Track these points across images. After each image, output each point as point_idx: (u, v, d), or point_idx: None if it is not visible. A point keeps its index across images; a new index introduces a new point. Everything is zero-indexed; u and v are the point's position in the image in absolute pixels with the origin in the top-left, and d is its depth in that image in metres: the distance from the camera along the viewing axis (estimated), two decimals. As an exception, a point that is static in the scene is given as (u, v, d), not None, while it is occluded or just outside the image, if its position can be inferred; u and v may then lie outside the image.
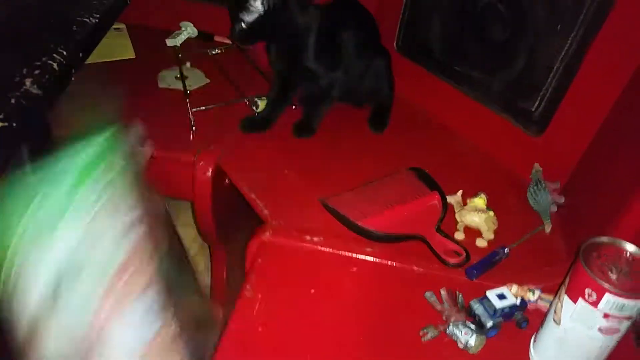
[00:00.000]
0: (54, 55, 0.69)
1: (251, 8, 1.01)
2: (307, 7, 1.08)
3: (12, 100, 0.61)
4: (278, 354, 0.76)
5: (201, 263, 1.54)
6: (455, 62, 1.17)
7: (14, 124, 0.59)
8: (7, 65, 0.67)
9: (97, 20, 0.79)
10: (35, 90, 0.64)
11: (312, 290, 0.85)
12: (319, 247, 0.91)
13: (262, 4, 1.01)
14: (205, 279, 1.50)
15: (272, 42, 1.13)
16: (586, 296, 0.67)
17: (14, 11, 0.79)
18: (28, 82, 0.64)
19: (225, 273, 1.26)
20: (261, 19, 1.02)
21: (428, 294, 0.83)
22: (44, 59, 0.68)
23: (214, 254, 1.29)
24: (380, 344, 0.78)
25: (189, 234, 1.61)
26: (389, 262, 0.89)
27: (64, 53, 0.70)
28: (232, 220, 1.24)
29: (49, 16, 0.80)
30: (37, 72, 0.66)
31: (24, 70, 0.65)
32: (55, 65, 0.68)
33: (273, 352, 0.76)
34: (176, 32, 1.46)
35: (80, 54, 0.74)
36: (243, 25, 1.03)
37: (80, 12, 0.79)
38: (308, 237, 0.91)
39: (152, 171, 1.16)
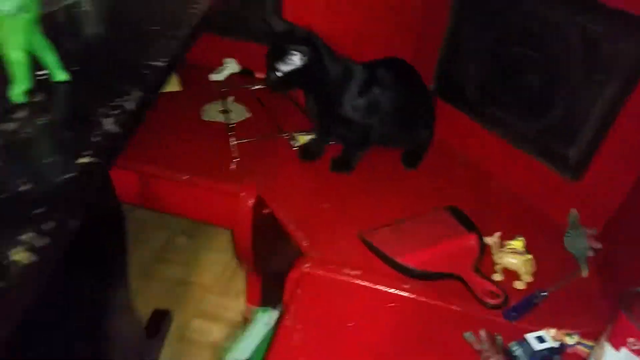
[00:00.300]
0: (129, 96, 0.75)
1: (289, 61, 1.04)
2: (344, 62, 1.10)
3: (96, 139, 0.67)
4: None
5: (234, 288, 1.57)
6: (490, 107, 1.20)
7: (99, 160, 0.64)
8: (91, 107, 0.74)
9: (165, 64, 0.85)
10: (115, 129, 0.69)
11: (350, 324, 0.86)
12: (357, 281, 0.92)
13: (301, 59, 1.04)
14: (239, 303, 1.52)
15: (307, 91, 1.17)
16: (629, 345, 0.67)
17: (92, 59, 0.87)
18: (109, 121, 0.70)
19: (259, 298, 1.27)
20: (297, 71, 1.05)
21: (467, 334, 0.84)
22: (121, 100, 0.74)
23: (249, 280, 1.31)
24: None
25: (221, 260, 1.65)
26: (427, 300, 0.90)
27: (138, 94, 0.75)
28: (269, 248, 1.26)
29: (123, 62, 0.87)
30: (116, 112, 0.72)
31: (105, 111, 0.72)
32: (131, 106, 0.73)
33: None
34: (220, 67, 1.53)
35: (151, 94, 0.80)
36: (278, 74, 1.06)
37: (149, 57, 0.86)
38: (346, 271, 0.93)
39: (193, 200, 1.21)
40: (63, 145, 0.70)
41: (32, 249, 0.52)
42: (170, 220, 1.78)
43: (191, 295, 1.55)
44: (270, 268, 1.31)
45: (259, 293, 1.31)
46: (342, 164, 1.17)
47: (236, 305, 1.53)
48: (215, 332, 1.46)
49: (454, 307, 0.89)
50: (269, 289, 1.32)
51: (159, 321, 1.40)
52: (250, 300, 1.32)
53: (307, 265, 0.94)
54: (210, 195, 1.16)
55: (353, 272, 0.93)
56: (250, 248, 1.16)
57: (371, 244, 0.97)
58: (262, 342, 1.01)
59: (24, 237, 0.53)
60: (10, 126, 0.69)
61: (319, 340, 0.83)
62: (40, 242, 0.53)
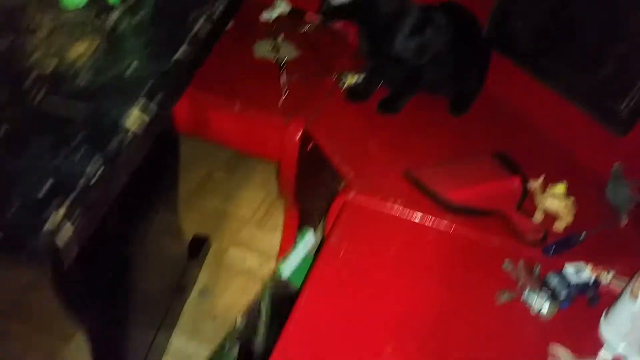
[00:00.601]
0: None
1: None
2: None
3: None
4: (358, 294, 0.82)
5: (269, 222, 1.62)
6: (543, 58, 1.20)
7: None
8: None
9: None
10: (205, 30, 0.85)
11: (392, 249, 0.90)
12: (401, 212, 0.96)
13: None
14: (273, 236, 1.58)
15: (360, 26, 1.18)
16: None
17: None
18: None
19: (295, 233, 1.33)
20: (353, 2, 1.07)
21: (506, 263, 0.88)
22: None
23: (287, 214, 1.36)
24: (455, 302, 0.83)
25: (258, 195, 1.70)
26: (468, 234, 0.94)
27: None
28: (310, 184, 1.31)
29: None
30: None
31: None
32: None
33: (354, 292, 0.82)
34: (271, 7, 1.55)
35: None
36: (334, 3, 1.08)
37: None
38: (390, 202, 0.97)
39: (244, 132, 1.25)
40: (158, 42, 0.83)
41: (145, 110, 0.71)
42: (210, 156, 1.83)
43: (228, 226, 1.62)
44: (309, 204, 1.35)
45: (296, 228, 1.36)
46: (389, 106, 1.20)
47: (270, 238, 1.58)
48: (250, 260, 1.53)
49: (493, 242, 0.93)
50: (305, 224, 1.37)
51: (199, 246, 1.47)
52: (285, 235, 1.38)
53: (351, 194, 0.98)
54: (259, 126, 1.20)
55: (396, 205, 0.97)
56: (294, 181, 1.20)
57: (416, 179, 1.01)
58: (304, 261, 1.07)
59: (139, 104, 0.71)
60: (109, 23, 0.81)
61: (363, 258, 0.88)
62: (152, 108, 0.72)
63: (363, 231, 0.92)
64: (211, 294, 1.43)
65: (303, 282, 0.84)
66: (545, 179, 1.04)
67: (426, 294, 0.83)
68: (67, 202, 0.60)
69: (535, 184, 1.03)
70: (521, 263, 0.87)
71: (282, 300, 1.10)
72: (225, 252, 1.54)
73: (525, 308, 0.83)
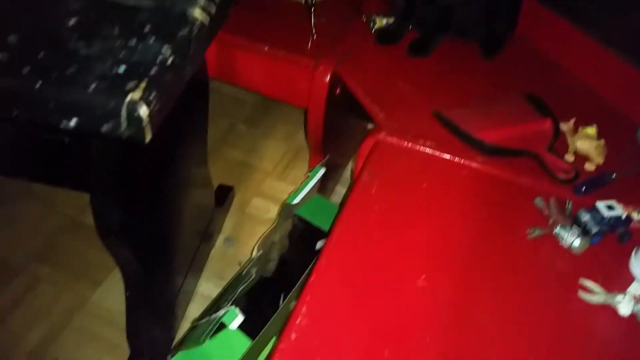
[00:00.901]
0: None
1: None
2: None
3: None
4: (390, 230, 0.83)
5: (291, 174, 1.64)
6: (579, 1, 1.17)
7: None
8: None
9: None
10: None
11: (424, 187, 0.91)
12: (431, 152, 0.96)
13: None
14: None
15: None
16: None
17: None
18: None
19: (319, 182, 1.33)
20: None
21: (538, 200, 0.88)
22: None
23: (312, 161, 1.37)
24: (487, 237, 0.84)
25: (280, 148, 1.71)
26: (499, 173, 0.94)
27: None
28: (338, 129, 1.31)
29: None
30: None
31: None
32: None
33: (386, 228, 0.83)
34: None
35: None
36: None
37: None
38: (421, 141, 0.97)
39: (272, 75, 1.25)
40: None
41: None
42: (233, 109, 1.83)
43: (252, 177, 1.63)
44: (335, 150, 1.36)
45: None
46: (419, 48, 1.19)
47: (291, 190, 1.60)
48: (272, 210, 1.54)
49: (524, 181, 0.93)
50: (329, 174, 1.38)
51: (224, 195, 1.48)
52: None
53: (382, 133, 0.98)
54: (288, 69, 1.19)
55: (428, 143, 0.97)
56: (321, 126, 1.20)
57: (447, 120, 1.00)
58: (311, 192, 1.09)
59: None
60: None
61: (395, 194, 0.88)
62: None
63: (394, 170, 0.93)
64: (236, 241, 1.46)
65: (334, 220, 0.85)
66: (576, 122, 1.04)
67: (458, 229, 0.84)
68: (143, 85, 0.62)
69: (566, 126, 1.03)
70: (553, 200, 0.88)
71: (294, 232, 1.12)
72: (248, 203, 1.56)
73: (556, 243, 0.83)
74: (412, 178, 0.92)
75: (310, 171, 1.10)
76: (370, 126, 1.82)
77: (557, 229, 0.83)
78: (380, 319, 0.71)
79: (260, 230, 1.49)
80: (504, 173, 0.94)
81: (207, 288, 1.35)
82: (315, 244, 1.10)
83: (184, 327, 1.27)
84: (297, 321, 0.70)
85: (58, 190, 1.47)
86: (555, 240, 0.84)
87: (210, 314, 0.99)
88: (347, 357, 0.67)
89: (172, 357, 0.97)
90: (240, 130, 1.78)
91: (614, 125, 1.07)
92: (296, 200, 1.06)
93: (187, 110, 1.04)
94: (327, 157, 1.14)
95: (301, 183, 1.12)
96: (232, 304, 0.95)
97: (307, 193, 1.08)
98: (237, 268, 1.39)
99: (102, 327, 1.26)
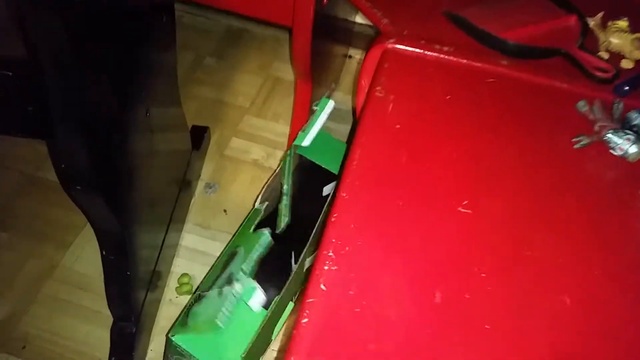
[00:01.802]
0: None
1: None
2: None
3: None
4: (416, 149, 0.70)
5: (270, 110, 1.49)
6: None
7: None
8: None
9: None
10: None
11: (448, 96, 0.77)
12: (449, 58, 0.82)
13: None
14: (276, 125, 1.45)
15: None
16: None
17: None
18: None
19: (308, 107, 1.18)
20: None
21: (581, 103, 0.76)
22: None
23: (298, 90, 1.21)
24: (528, 150, 0.72)
25: (255, 82, 1.54)
26: (530, 78, 0.81)
27: None
28: (325, 51, 1.15)
29: None
30: None
31: None
32: None
33: (411, 147, 0.70)
34: None
35: None
36: None
37: None
38: (437, 46, 0.83)
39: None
40: None
41: None
42: (197, 41, 1.64)
43: (227, 116, 1.47)
44: (324, 72, 1.20)
45: (309, 105, 1.21)
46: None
47: (274, 127, 1.45)
48: (254, 151, 1.40)
49: (559, 85, 0.80)
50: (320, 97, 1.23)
51: (199, 136, 1.32)
52: (298, 110, 1.23)
53: (391, 40, 0.83)
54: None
55: (445, 48, 0.82)
56: (310, 44, 1.04)
57: (463, 20, 0.86)
58: (322, 138, 0.95)
59: None
60: None
61: (415, 111, 0.75)
62: None
63: (410, 82, 0.79)
64: (218, 187, 1.31)
65: (347, 149, 0.71)
66: (603, 16, 0.91)
67: (495, 145, 0.72)
68: None
69: (593, 21, 0.90)
70: (598, 102, 0.76)
71: (298, 176, 0.97)
72: (227, 144, 1.41)
73: (607, 151, 0.72)
74: (432, 90, 0.78)
75: (316, 104, 0.94)
76: (351, 52, 1.67)
77: (608, 135, 0.71)
78: (422, 257, 0.59)
79: (244, 173, 1.35)
80: (534, 77, 0.81)
81: (192, 240, 1.22)
82: (322, 189, 0.97)
83: (171, 285, 1.14)
84: (325, 268, 0.57)
85: (4, 143, 1.28)
86: (605, 148, 0.72)
87: (221, 284, 0.84)
88: (391, 306, 0.55)
89: (174, 335, 0.83)
90: (208, 65, 1.59)
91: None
92: (306, 142, 0.91)
93: (152, 34, 0.86)
94: (333, 87, 0.98)
95: (306, 122, 0.97)
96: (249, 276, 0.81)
97: (318, 127, 0.93)
98: (223, 216, 1.25)
99: (76, 293, 1.12)
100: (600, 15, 0.90)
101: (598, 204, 0.67)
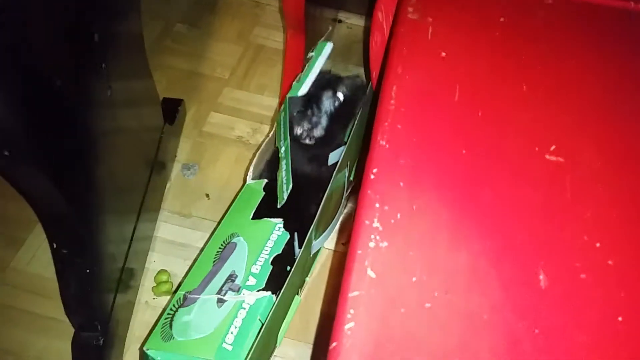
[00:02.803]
0: None
1: None
2: None
3: None
4: (468, 83, 0.51)
5: (254, 81, 1.29)
6: None
7: None
8: None
9: None
10: None
11: (502, 19, 0.59)
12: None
13: None
14: (262, 97, 1.27)
15: None
16: None
17: None
18: None
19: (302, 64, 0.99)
20: None
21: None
22: None
23: (290, 43, 1.01)
24: (619, 85, 0.54)
25: (234, 51, 1.36)
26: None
27: None
28: (319, 4, 0.96)
29: None
30: None
31: None
32: None
33: (461, 78, 0.52)
34: None
35: None
36: None
37: None
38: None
39: None
40: None
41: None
42: (165, 7, 1.43)
43: (204, 89, 1.26)
44: (315, 27, 1.01)
45: (302, 58, 1.02)
46: None
47: (259, 99, 1.26)
48: (238, 126, 1.20)
49: (634, 5, 0.63)
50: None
51: (172, 109, 1.12)
52: (289, 69, 1.04)
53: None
54: None
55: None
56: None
57: None
58: None
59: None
60: None
61: (463, 38, 0.56)
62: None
63: (451, 2, 0.60)
64: (198, 168, 1.11)
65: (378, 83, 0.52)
66: None
67: (570, 74, 0.53)
68: None
69: None
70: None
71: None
72: (205, 119, 1.21)
73: None
74: (478, 10, 0.60)
75: (313, 50, 0.75)
76: (341, 15, 1.48)
77: None
78: (508, 224, 0.41)
79: (227, 151, 1.15)
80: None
81: (169, 230, 1.02)
82: (328, 156, 0.77)
83: (147, 284, 0.94)
84: (371, 245, 0.38)
85: None
86: None
87: (218, 286, 0.64)
88: (476, 295, 0.36)
89: (150, 349, 0.62)
90: (180, 33, 1.39)
91: None
92: (302, 91, 0.72)
93: None
94: (330, 30, 0.79)
95: (302, 70, 0.77)
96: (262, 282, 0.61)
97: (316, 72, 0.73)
98: (205, 201, 1.06)
99: (31, 300, 0.91)
100: None
101: None
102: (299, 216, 0.73)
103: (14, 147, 0.52)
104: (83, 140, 0.67)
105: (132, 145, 0.91)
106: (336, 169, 0.71)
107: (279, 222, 0.72)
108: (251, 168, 0.80)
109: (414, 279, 0.37)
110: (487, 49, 0.55)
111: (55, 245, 0.68)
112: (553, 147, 0.46)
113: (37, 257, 0.97)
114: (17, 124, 0.51)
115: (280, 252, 0.70)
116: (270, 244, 0.70)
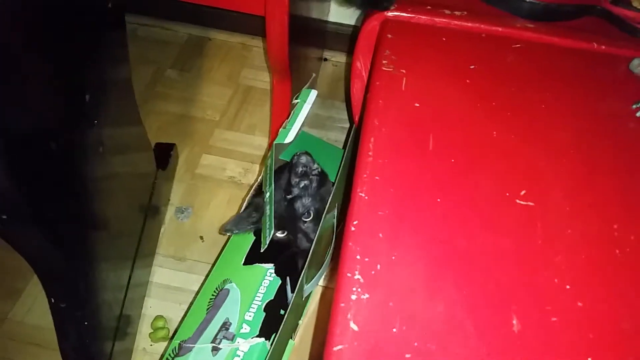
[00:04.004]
0: None
1: None
2: None
3: None
4: (441, 131, 0.54)
5: (244, 122, 1.32)
6: None
7: None
8: None
9: None
10: None
11: (472, 67, 0.62)
12: (464, 23, 0.67)
13: None
14: (253, 137, 1.30)
15: None
16: None
17: None
18: None
19: (289, 108, 1.02)
20: None
21: (635, 62, 0.62)
22: None
23: (276, 89, 1.05)
24: (584, 123, 0.57)
25: (224, 93, 1.39)
26: (561, 41, 0.67)
27: None
28: (302, 43, 1.00)
29: None
30: None
31: None
32: None
33: (434, 127, 0.54)
34: None
35: None
36: None
37: None
38: (447, 12, 0.68)
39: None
40: None
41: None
42: (156, 53, 1.47)
43: (196, 131, 1.29)
44: (301, 74, 1.05)
45: (288, 105, 1.05)
46: None
47: (249, 139, 1.29)
48: (230, 167, 1.23)
49: (596, 46, 0.66)
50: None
51: (165, 154, 1.14)
52: (277, 111, 1.07)
53: (392, 8, 0.68)
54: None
55: (457, 13, 0.68)
56: (287, 34, 0.88)
57: (473, -20, 0.72)
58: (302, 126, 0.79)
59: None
60: None
61: (435, 85, 0.59)
62: None
63: (422, 53, 0.63)
64: (192, 211, 1.13)
65: (356, 137, 0.55)
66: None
67: (543, 120, 0.56)
68: None
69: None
70: (656, 56, 0.62)
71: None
72: (197, 162, 1.23)
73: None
74: (450, 60, 0.63)
75: (297, 97, 0.78)
76: (327, 54, 1.52)
77: (677, 95, 0.57)
78: (482, 270, 0.43)
79: (220, 192, 1.18)
80: (568, 40, 0.67)
81: (164, 275, 1.03)
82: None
83: (144, 331, 0.95)
84: (353, 298, 0.40)
85: None
86: (673, 111, 0.58)
87: (212, 334, 0.65)
88: (455, 345, 0.38)
89: None
90: (170, 77, 1.42)
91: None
92: (289, 138, 0.75)
93: (100, 43, 0.70)
94: (313, 76, 0.82)
95: (288, 117, 0.80)
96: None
97: (300, 126, 0.76)
98: (199, 243, 1.07)
99: (30, 351, 0.92)
100: (625, -32, 0.77)
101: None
102: (290, 260, 0.74)
103: (11, 211, 0.54)
104: (78, 197, 0.69)
105: (126, 194, 0.93)
106: (325, 211, 0.74)
107: (269, 267, 0.74)
108: (242, 210, 0.82)
109: (394, 329, 0.39)
110: (458, 96, 0.58)
111: (53, 300, 0.70)
112: (523, 192, 0.48)
113: (34, 308, 0.98)
114: (14, 189, 0.53)
115: (272, 297, 0.72)
116: (262, 289, 0.72)
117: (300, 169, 0.74)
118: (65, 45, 0.62)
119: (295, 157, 0.75)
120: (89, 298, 0.74)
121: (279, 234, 0.76)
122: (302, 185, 0.74)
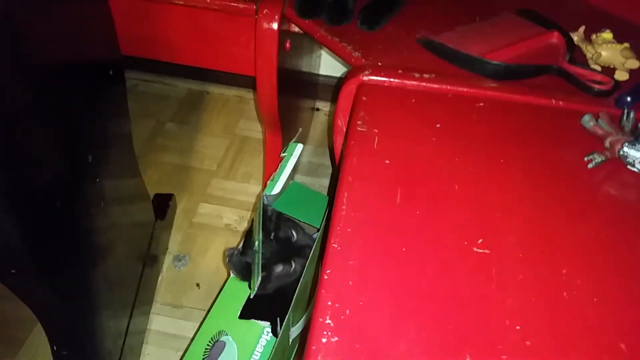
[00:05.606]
0: None
1: None
2: None
3: None
4: (408, 186, 0.60)
5: (240, 171, 1.39)
6: None
7: None
8: None
9: None
10: None
11: (438, 125, 0.68)
12: (432, 85, 0.74)
13: None
14: (248, 186, 1.36)
15: None
16: None
17: None
18: None
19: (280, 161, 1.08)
20: None
21: (586, 118, 0.68)
22: None
23: (268, 142, 1.11)
24: (539, 176, 0.63)
25: (220, 144, 1.46)
26: (522, 98, 0.73)
27: None
28: (292, 98, 1.07)
29: None
30: None
31: None
32: None
33: (402, 183, 0.60)
34: None
35: None
36: None
37: None
38: (417, 75, 0.75)
39: (201, 32, 0.99)
40: None
41: None
42: (155, 107, 1.55)
43: (193, 181, 1.36)
44: (291, 128, 1.12)
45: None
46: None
47: (245, 187, 1.35)
48: (226, 215, 1.28)
49: (554, 103, 0.73)
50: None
51: (163, 205, 1.20)
52: (270, 163, 1.13)
53: (366, 72, 0.75)
54: (222, 21, 0.94)
55: (425, 76, 0.74)
56: (276, 91, 0.96)
57: (441, 45, 0.79)
58: (289, 178, 0.84)
59: None
60: None
61: (404, 144, 0.65)
62: None
63: (393, 114, 0.70)
64: (189, 259, 1.18)
65: (333, 193, 0.61)
66: (585, 30, 0.86)
67: (502, 174, 0.62)
68: None
69: (576, 36, 0.84)
70: (604, 115, 0.68)
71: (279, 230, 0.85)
72: (195, 211, 1.29)
73: (624, 168, 0.63)
74: (418, 120, 0.69)
75: (284, 151, 0.85)
76: (319, 104, 1.60)
77: (624, 149, 0.63)
78: (441, 314, 0.48)
79: (216, 240, 1.23)
80: (528, 97, 0.74)
81: (161, 322, 1.07)
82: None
83: (142, 377, 0.98)
84: (323, 341, 0.45)
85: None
86: (621, 163, 0.64)
87: None
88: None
89: None
90: (169, 130, 1.50)
91: (625, 30, 0.90)
92: (276, 190, 0.80)
93: (98, 99, 0.77)
94: (299, 131, 0.89)
95: (275, 170, 0.86)
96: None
97: (287, 179, 0.82)
98: (196, 290, 1.12)
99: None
100: (582, 29, 0.85)
101: (625, 229, 0.58)
102: (277, 304, 0.78)
103: (20, 265, 0.60)
104: (80, 250, 0.74)
105: (125, 244, 0.99)
106: (308, 260, 0.78)
107: (266, 326, 0.78)
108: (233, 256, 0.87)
109: (359, 369, 0.43)
110: (424, 153, 0.64)
111: (55, 348, 0.74)
112: (480, 241, 0.54)
113: (36, 358, 1.01)
114: (23, 246, 0.59)
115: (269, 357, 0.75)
116: (259, 348, 0.75)
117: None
118: (69, 111, 0.68)
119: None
120: (89, 346, 0.78)
121: (278, 269, 0.80)
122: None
